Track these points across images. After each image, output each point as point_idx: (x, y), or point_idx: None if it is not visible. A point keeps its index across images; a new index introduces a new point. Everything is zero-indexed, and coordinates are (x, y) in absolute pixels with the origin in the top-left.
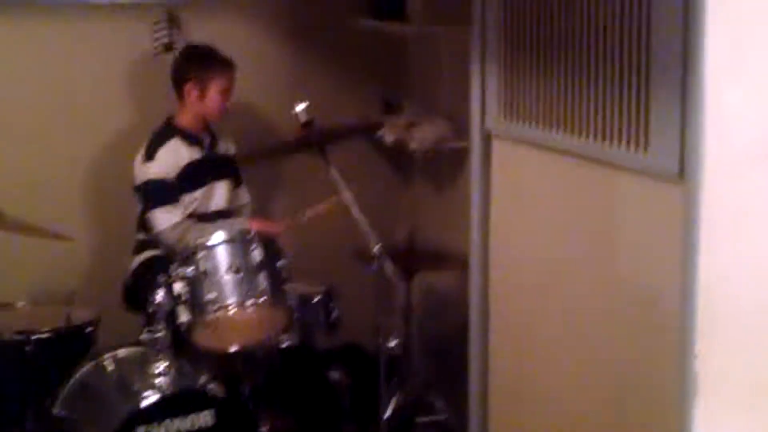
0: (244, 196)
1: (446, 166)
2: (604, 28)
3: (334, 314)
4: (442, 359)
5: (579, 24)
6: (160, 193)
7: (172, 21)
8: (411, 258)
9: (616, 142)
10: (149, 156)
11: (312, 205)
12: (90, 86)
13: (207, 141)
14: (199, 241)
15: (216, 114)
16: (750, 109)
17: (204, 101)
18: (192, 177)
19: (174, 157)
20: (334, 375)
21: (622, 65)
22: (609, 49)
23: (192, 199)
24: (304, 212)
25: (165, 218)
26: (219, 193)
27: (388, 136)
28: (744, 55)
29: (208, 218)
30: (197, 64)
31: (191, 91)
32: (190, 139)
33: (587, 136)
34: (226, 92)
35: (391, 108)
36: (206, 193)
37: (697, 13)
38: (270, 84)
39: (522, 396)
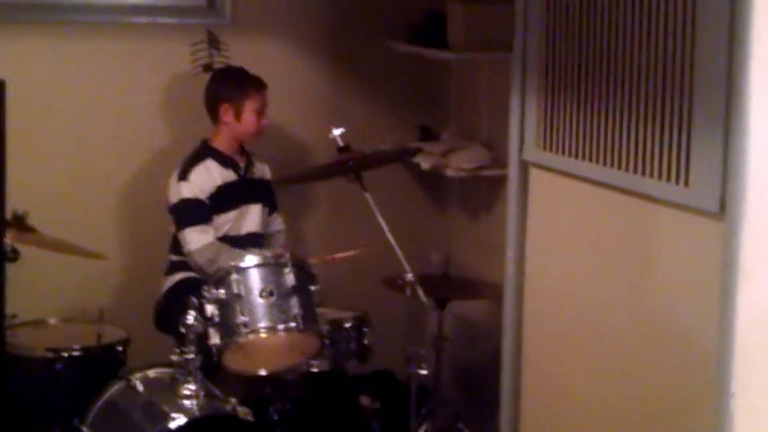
0: (279, 223)
1: (483, 193)
2: (647, 61)
3: (366, 341)
4: (472, 389)
5: (621, 57)
6: (192, 213)
7: (212, 41)
8: (445, 285)
9: (656, 175)
10: (183, 176)
11: (339, 252)
12: (128, 105)
13: (242, 164)
14: (233, 263)
15: (252, 135)
16: None
17: (239, 122)
18: (225, 198)
19: (207, 177)
20: (365, 401)
21: (664, 98)
22: (651, 82)
23: (225, 221)
24: (332, 256)
25: (197, 238)
26: (252, 217)
27: (425, 162)
28: None
29: (240, 241)
30: (231, 84)
31: (227, 112)
32: (225, 161)
33: (627, 169)
34: (260, 112)
35: (428, 134)
36: (239, 216)
37: (741, 48)
38: (308, 108)
39: (553, 427)
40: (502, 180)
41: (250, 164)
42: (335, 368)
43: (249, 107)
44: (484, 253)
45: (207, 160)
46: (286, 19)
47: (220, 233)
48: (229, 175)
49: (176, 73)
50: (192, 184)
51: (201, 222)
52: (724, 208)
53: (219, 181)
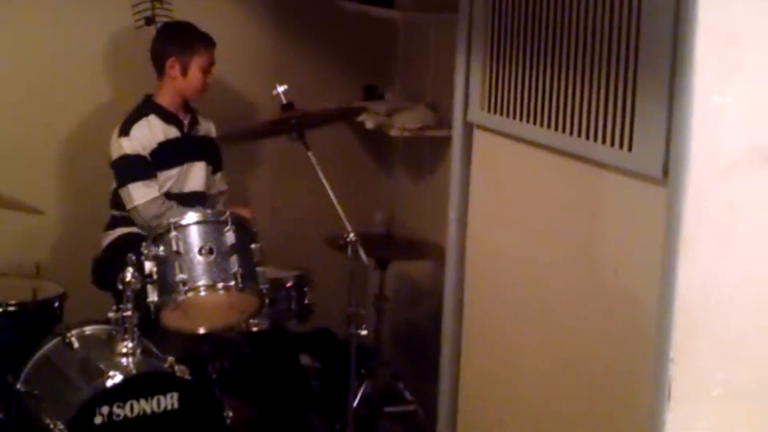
0: (222, 183)
1: (427, 154)
2: (593, 25)
3: (307, 300)
4: (413, 350)
5: (567, 20)
6: (134, 168)
7: None
8: (387, 246)
9: (600, 140)
10: (124, 131)
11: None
12: (69, 59)
13: (186, 121)
14: (172, 220)
15: (197, 92)
16: (740, 112)
17: (185, 78)
18: (167, 155)
19: (149, 133)
20: (305, 360)
21: (609, 62)
22: (596, 46)
23: (167, 178)
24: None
25: (141, 193)
26: (196, 174)
27: (369, 121)
28: (736, 56)
29: (183, 199)
30: (179, 40)
31: (173, 67)
32: (168, 117)
33: (571, 133)
34: (207, 70)
35: (374, 93)
36: (182, 173)
37: (687, 12)
38: (252, 65)
39: (492, 391)
40: (446, 141)
41: (194, 121)
42: (275, 327)
43: (196, 63)
44: (428, 214)
45: (150, 115)
46: None
47: (163, 190)
48: (172, 132)
49: (119, 26)
50: (133, 140)
51: (144, 177)
52: (666, 173)
53: (161, 137)
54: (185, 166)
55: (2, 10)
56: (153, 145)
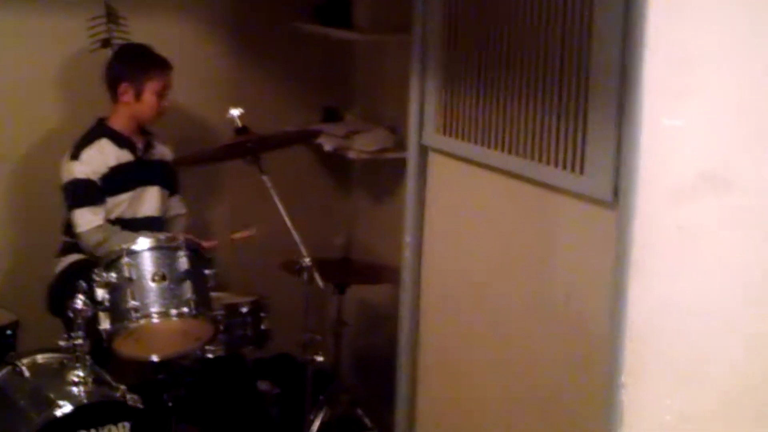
0: (179, 206)
1: (385, 176)
2: (545, 48)
3: (263, 326)
4: (372, 375)
5: (520, 45)
6: (82, 193)
7: (111, 16)
8: (345, 270)
9: (552, 163)
10: (74, 155)
11: (235, 231)
12: (21, 81)
13: (140, 144)
14: (124, 246)
15: (151, 116)
16: (690, 135)
17: (139, 103)
18: (119, 180)
19: (100, 158)
20: (264, 386)
21: (561, 86)
22: (548, 69)
23: (119, 202)
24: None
25: (86, 219)
26: (149, 199)
27: (327, 143)
28: (685, 79)
29: (137, 224)
30: (133, 64)
31: (126, 92)
32: (120, 140)
33: (524, 156)
34: (162, 94)
35: (333, 115)
36: (135, 198)
37: (636, 35)
38: (209, 87)
39: (448, 416)
40: (405, 163)
41: (149, 145)
42: (231, 353)
43: (150, 88)
44: (386, 237)
45: (102, 139)
46: None
47: (115, 215)
48: (125, 156)
49: (73, 48)
50: (83, 164)
51: (91, 203)
52: (617, 197)
53: (113, 162)
54: (138, 190)
55: None
56: (104, 169)
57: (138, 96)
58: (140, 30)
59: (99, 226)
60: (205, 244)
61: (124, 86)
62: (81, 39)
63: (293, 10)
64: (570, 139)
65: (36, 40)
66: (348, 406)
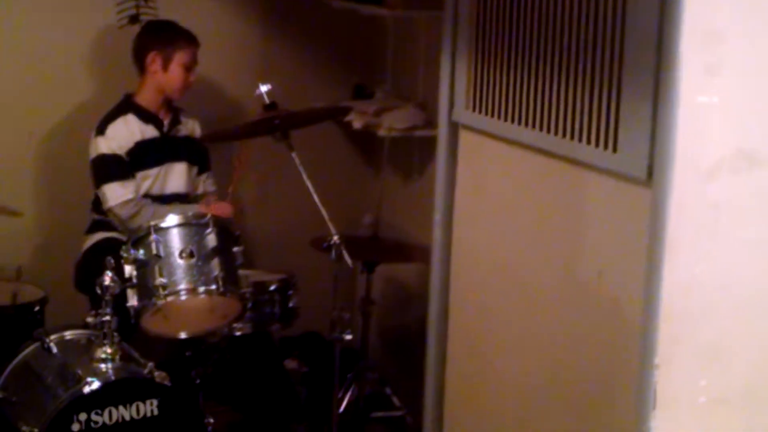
0: (209, 184)
1: (416, 154)
2: (578, 24)
3: (291, 303)
4: (400, 354)
5: (553, 20)
6: (110, 168)
7: None
8: (374, 248)
9: (585, 140)
10: (100, 131)
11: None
12: (50, 58)
13: (166, 120)
14: (153, 222)
15: (177, 89)
16: (726, 113)
17: (166, 74)
18: (145, 155)
19: (125, 132)
20: (292, 364)
21: (594, 62)
22: (581, 46)
23: (144, 178)
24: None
25: (116, 193)
26: (176, 175)
27: (357, 121)
28: (721, 56)
29: (164, 200)
30: (162, 35)
31: (154, 61)
32: (146, 116)
33: (556, 133)
34: (188, 68)
35: (363, 92)
36: (161, 174)
37: (672, 10)
38: (237, 63)
39: (478, 395)
40: (435, 141)
41: (176, 121)
42: (259, 331)
43: (177, 59)
44: (415, 216)
45: (127, 114)
46: None
47: (142, 191)
48: (150, 131)
49: (102, 26)
50: (109, 139)
51: (119, 177)
52: (651, 175)
53: (138, 137)
54: (164, 166)
55: None
56: (130, 144)
57: (165, 66)
58: (168, 6)
59: (129, 200)
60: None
61: (152, 55)
62: (110, 14)
63: None
64: (603, 116)
65: (65, 15)
66: (376, 385)
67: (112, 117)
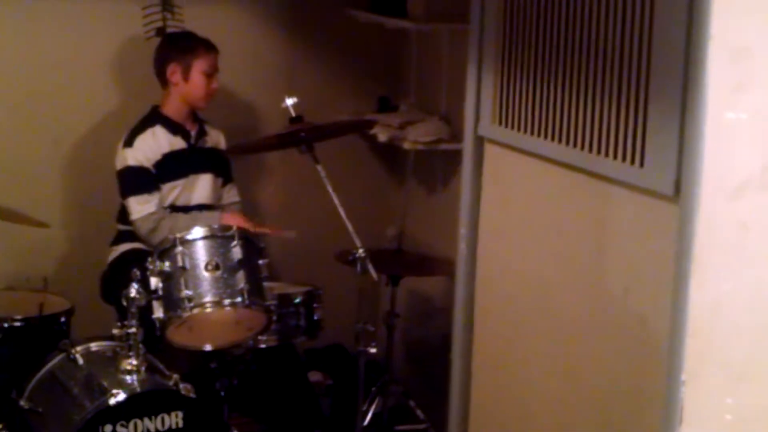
0: (234, 194)
1: (440, 168)
2: (605, 38)
3: (316, 316)
4: (424, 367)
5: (579, 34)
6: (136, 181)
7: (166, 4)
8: (398, 261)
9: (611, 155)
10: (128, 143)
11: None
12: (79, 69)
13: (193, 132)
14: (178, 235)
15: (200, 98)
16: (754, 130)
17: (188, 83)
18: (172, 167)
19: (153, 144)
20: (316, 376)
21: (621, 77)
22: (608, 60)
23: (171, 189)
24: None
25: (139, 207)
26: (202, 187)
27: (381, 134)
28: (750, 71)
29: (190, 211)
30: (179, 45)
31: (174, 72)
32: (174, 127)
33: (582, 148)
34: (210, 75)
35: (387, 105)
36: (188, 185)
37: (700, 26)
38: (264, 76)
39: (503, 410)
40: (459, 155)
41: (202, 132)
42: (284, 343)
43: (197, 67)
44: (440, 229)
45: (155, 126)
46: None
47: (167, 202)
48: (178, 143)
49: (129, 36)
50: (136, 151)
51: (144, 190)
52: (678, 191)
53: (166, 149)
54: (191, 177)
55: (9, 19)
56: (157, 156)
57: (186, 76)
58: (194, 18)
59: (151, 213)
60: (254, 228)
61: (172, 67)
62: (137, 27)
63: None
64: (630, 131)
65: (93, 26)
66: (400, 398)
67: (140, 129)
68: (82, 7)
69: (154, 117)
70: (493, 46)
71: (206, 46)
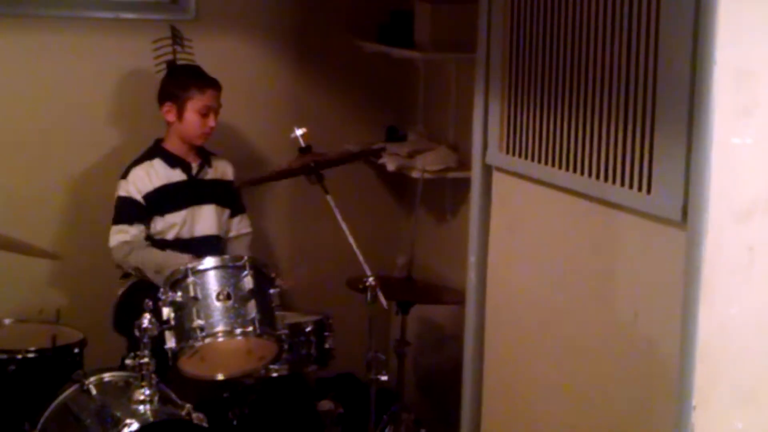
0: (244, 225)
1: (449, 196)
2: (611, 67)
3: (327, 345)
4: (435, 395)
5: (585, 62)
6: (120, 210)
7: (176, 37)
8: (408, 289)
9: (618, 182)
10: (124, 174)
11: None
12: (87, 101)
13: (195, 164)
14: (190, 265)
15: (196, 136)
16: (760, 154)
17: (182, 123)
18: (169, 199)
19: (146, 177)
20: (326, 406)
21: (627, 104)
22: (614, 88)
23: (171, 222)
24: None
25: (116, 236)
26: (205, 218)
27: (390, 163)
28: (755, 96)
29: (194, 243)
30: (175, 83)
31: (169, 111)
32: (173, 160)
33: (590, 175)
34: (204, 113)
35: (396, 134)
36: (189, 217)
37: (705, 53)
38: (272, 106)
39: None
40: (468, 183)
41: (206, 164)
42: (295, 372)
43: (191, 107)
44: (449, 257)
45: (153, 159)
46: (251, 16)
47: (172, 235)
48: (176, 176)
49: (139, 69)
50: (128, 183)
51: (125, 221)
52: (686, 217)
53: (162, 181)
54: (192, 209)
55: (19, 53)
56: (149, 188)
57: (180, 115)
58: (204, 51)
59: (125, 242)
60: (281, 282)
61: (167, 106)
62: (147, 60)
63: (355, 27)
64: (637, 158)
65: (103, 60)
66: (411, 426)
67: (138, 161)
68: (93, 41)
69: (154, 150)
70: (499, 75)
71: (201, 85)
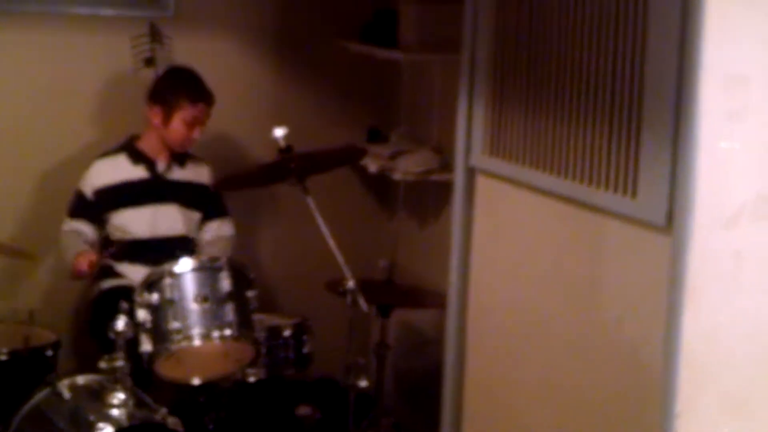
0: (225, 229)
1: (431, 198)
2: (597, 70)
3: (306, 349)
4: (415, 399)
5: (571, 65)
6: (71, 203)
7: (155, 35)
8: (389, 293)
9: (603, 186)
10: (90, 166)
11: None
12: (64, 98)
13: (163, 164)
14: (167, 267)
15: (178, 144)
16: (748, 159)
17: (167, 129)
18: (128, 195)
19: (103, 172)
20: (304, 410)
21: (613, 107)
22: (600, 91)
23: (129, 218)
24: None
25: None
26: (167, 218)
27: (372, 165)
28: (744, 101)
29: (155, 243)
30: (169, 88)
31: (156, 114)
32: (138, 158)
33: (574, 179)
34: (192, 124)
35: (378, 136)
36: (150, 216)
37: (692, 57)
38: (253, 107)
39: None
40: (450, 185)
41: (175, 164)
42: (272, 376)
43: (179, 116)
44: (431, 260)
45: (119, 154)
46: (231, 14)
47: (132, 232)
48: (138, 173)
49: (117, 66)
50: (87, 176)
51: (69, 214)
52: (671, 221)
53: (123, 177)
54: (151, 208)
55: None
56: (106, 183)
57: (166, 121)
58: (182, 49)
59: (62, 232)
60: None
61: (155, 109)
62: (126, 57)
63: (339, 29)
64: (622, 162)
65: (81, 56)
66: (391, 430)
67: (104, 155)
68: (71, 38)
69: (123, 146)
70: (484, 77)
71: (193, 97)
